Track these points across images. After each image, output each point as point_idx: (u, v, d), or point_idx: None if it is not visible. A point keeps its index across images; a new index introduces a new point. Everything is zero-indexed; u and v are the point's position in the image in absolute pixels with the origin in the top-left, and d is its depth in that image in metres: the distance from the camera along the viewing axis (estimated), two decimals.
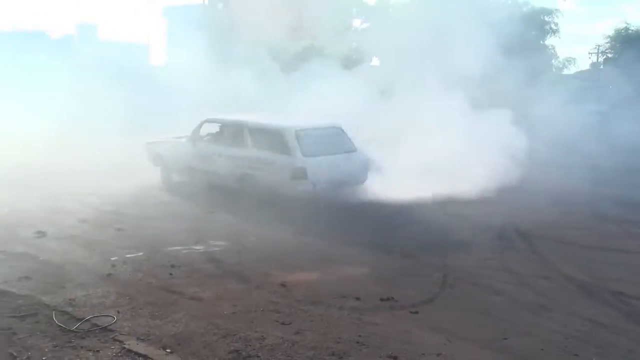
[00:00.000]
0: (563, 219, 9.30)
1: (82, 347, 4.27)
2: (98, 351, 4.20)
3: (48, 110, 16.15)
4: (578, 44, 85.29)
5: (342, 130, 10.06)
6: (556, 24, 29.02)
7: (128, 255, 6.67)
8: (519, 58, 15.23)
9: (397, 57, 14.42)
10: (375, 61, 20.25)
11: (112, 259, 6.50)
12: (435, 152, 10.67)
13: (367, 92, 13.68)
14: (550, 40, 29.31)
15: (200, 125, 10.74)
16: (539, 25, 27.94)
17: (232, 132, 10.22)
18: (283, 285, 5.86)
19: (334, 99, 12.39)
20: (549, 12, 28.89)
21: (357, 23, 29.67)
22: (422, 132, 11.25)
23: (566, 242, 8.03)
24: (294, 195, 8.96)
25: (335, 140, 9.90)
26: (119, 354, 4.18)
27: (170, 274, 6.10)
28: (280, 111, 12.45)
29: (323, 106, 11.83)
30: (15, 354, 4.10)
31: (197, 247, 7.19)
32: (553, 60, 29.24)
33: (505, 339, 4.83)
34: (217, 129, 10.85)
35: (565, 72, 29.53)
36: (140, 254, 6.77)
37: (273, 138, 9.44)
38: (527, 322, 5.23)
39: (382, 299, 5.57)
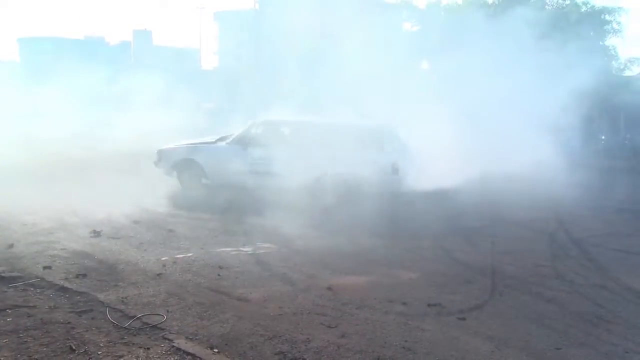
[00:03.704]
0: (622, 226, 8.91)
1: (133, 344, 4.39)
2: (148, 348, 4.30)
3: None
4: None
5: None
6: (619, 23, 27.68)
7: (178, 256, 6.82)
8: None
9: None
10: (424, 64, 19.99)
11: (163, 259, 6.67)
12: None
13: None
14: (611, 41, 28.03)
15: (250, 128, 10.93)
16: (599, 25, 26.71)
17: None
18: (329, 288, 5.86)
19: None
20: (611, 11, 27.53)
21: (407, 26, 29.36)
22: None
23: (625, 251, 7.68)
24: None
25: None
26: (168, 352, 4.27)
27: (219, 275, 6.19)
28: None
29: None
30: (74, 347, 4.26)
31: (245, 249, 7.29)
32: (614, 62, 27.92)
33: (559, 349, 4.66)
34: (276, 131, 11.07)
35: (628, 73, 28.19)
36: (190, 254, 6.92)
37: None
38: (582, 332, 5.03)
39: (429, 305, 5.49)
